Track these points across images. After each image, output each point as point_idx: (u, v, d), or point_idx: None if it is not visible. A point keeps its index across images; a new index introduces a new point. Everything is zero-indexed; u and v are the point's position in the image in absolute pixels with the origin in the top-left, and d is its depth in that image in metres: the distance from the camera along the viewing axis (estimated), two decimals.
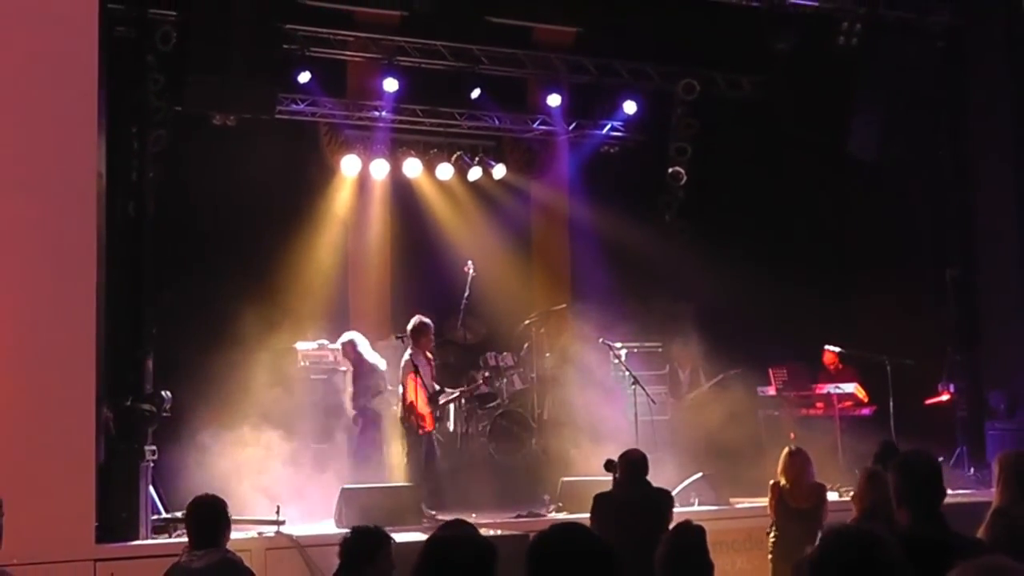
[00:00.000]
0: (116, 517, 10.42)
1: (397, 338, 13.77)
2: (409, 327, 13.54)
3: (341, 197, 16.26)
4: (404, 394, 13.19)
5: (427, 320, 13.61)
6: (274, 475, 11.91)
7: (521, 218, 17.46)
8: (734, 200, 16.96)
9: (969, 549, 4.90)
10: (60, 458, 9.78)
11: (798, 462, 10.07)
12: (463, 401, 14.79)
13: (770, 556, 9.99)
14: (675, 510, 11.94)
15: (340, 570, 6.52)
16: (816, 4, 15.07)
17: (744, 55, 16.47)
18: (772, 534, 10.01)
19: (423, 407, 13.18)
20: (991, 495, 7.00)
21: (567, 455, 14.33)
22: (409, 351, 13.32)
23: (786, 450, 10.30)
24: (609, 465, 9.82)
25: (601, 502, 9.73)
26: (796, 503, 9.90)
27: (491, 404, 14.84)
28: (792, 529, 9.60)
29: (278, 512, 10.99)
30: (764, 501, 10.99)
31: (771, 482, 10.18)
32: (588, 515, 11.90)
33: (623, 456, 10.07)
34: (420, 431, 13.15)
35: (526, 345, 15.45)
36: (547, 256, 17.66)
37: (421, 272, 16.38)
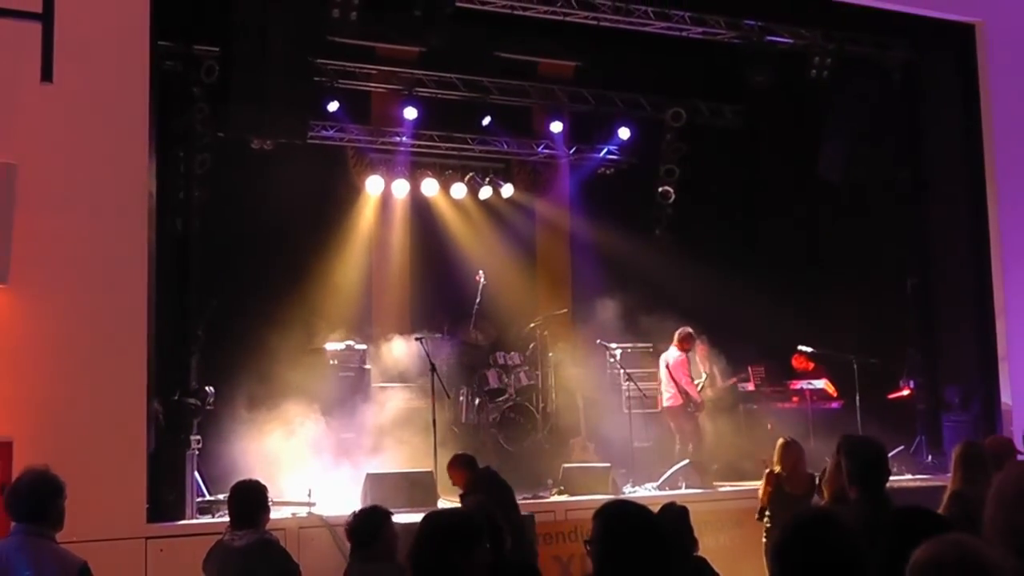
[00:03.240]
0: (165, 499, 10.42)
1: (416, 339, 13.77)
2: (682, 334, 14.20)
3: (366, 213, 16.24)
4: (678, 386, 14.00)
5: (692, 331, 14.36)
6: (306, 461, 11.88)
7: (527, 232, 17.42)
8: (716, 216, 16.99)
9: (910, 519, 4.88)
10: (115, 447, 9.79)
11: (793, 452, 9.93)
12: (476, 397, 14.89)
13: (764, 539, 9.82)
14: (665, 493, 12.09)
15: (353, 549, 6.47)
16: (790, 41, 15.04)
17: (726, 87, 16.49)
18: (767, 520, 9.86)
19: (697, 395, 14.22)
20: (947, 479, 6.98)
21: (568, 444, 14.33)
22: (680, 353, 14.13)
23: (781, 440, 10.17)
24: None
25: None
26: (792, 490, 9.73)
27: (500, 398, 14.81)
28: (787, 514, 9.42)
29: (309, 495, 10.98)
30: (745, 485, 10.92)
31: (767, 470, 10.01)
32: (587, 497, 12.03)
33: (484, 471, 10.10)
34: (697, 413, 14.19)
35: (531, 345, 15.43)
36: (550, 266, 17.62)
37: (437, 281, 16.35)
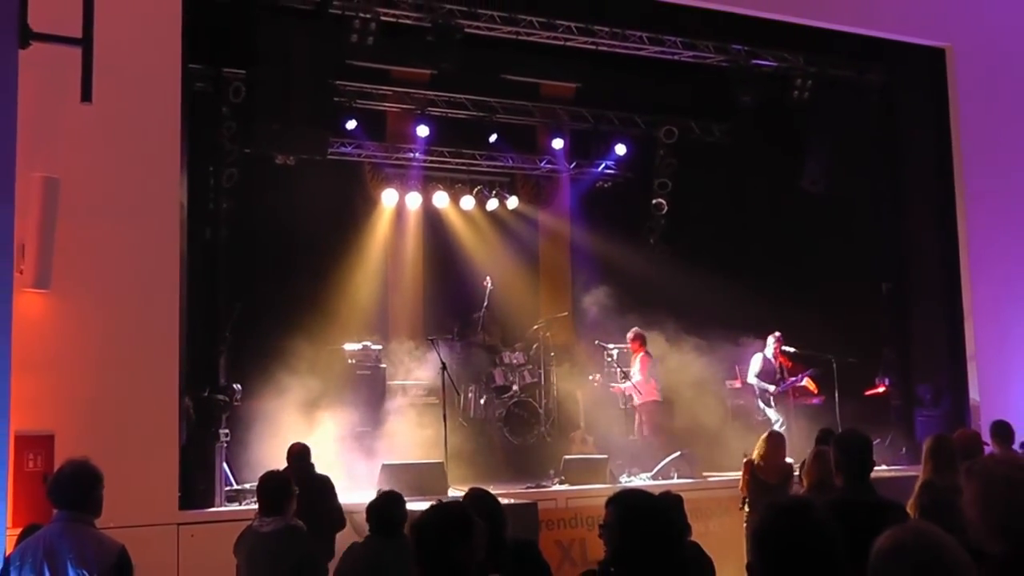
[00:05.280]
0: (195, 488, 10.45)
1: (429, 340, 13.79)
2: (635, 334, 14.41)
3: (381, 224, 16.28)
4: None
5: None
6: (326, 453, 11.88)
7: (530, 241, 17.46)
8: (706, 226, 16.97)
9: (890, 508, 4.91)
10: (149, 440, 9.81)
11: (772, 443, 9.89)
12: (483, 394, 14.89)
13: (745, 526, 9.79)
14: (658, 483, 12.07)
15: (375, 535, 6.43)
16: (775, 64, 15.07)
17: (715, 106, 16.51)
18: (745, 508, 9.83)
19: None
20: (919, 470, 6.98)
21: (568, 437, 14.33)
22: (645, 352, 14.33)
23: (767, 432, 10.17)
24: None
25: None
26: (767, 478, 9.66)
27: (506, 395, 14.82)
28: (763, 501, 9.32)
29: None
30: (733, 475, 10.87)
31: (744, 460, 9.96)
32: (586, 487, 12.01)
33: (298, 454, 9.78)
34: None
35: (535, 346, 15.42)
36: (552, 272, 17.65)
37: (448, 286, 16.38)
